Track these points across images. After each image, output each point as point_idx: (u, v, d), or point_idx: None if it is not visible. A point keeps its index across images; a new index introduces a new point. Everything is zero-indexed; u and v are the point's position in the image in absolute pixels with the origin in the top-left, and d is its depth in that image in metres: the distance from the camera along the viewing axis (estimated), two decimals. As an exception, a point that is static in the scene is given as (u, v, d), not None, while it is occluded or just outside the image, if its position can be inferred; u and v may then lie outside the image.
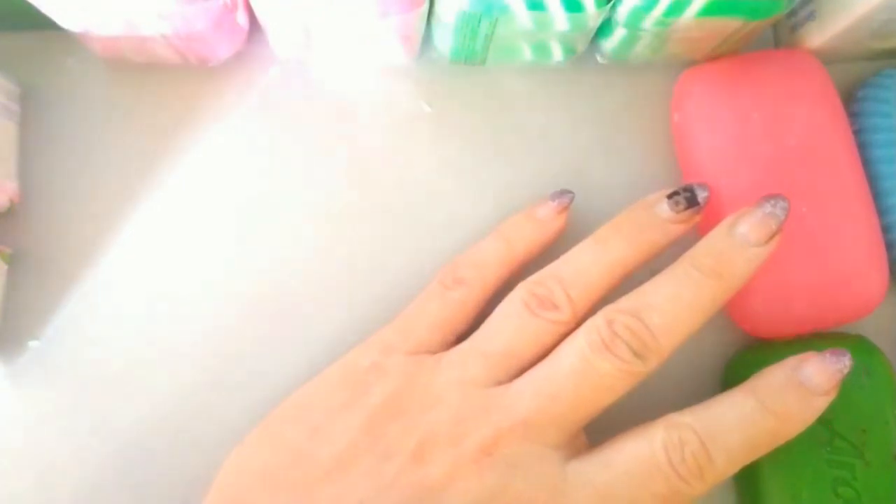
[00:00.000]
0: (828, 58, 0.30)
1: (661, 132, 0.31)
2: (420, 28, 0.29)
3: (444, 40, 0.29)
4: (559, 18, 0.26)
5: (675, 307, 0.24)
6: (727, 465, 0.23)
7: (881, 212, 0.29)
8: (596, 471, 0.24)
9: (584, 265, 0.26)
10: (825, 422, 0.27)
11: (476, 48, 0.29)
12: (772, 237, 0.25)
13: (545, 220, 0.28)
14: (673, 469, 0.23)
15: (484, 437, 0.24)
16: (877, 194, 0.29)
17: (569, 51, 0.30)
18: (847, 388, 0.27)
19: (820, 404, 0.24)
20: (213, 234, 0.30)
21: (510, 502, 0.23)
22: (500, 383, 0.25)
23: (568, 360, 0.24)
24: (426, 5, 0.27)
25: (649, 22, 0.27)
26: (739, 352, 0.30)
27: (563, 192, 0.28)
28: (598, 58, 0.31)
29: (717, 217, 0.29)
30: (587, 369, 0.24)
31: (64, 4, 0.26)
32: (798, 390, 0.24)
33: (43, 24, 0.27)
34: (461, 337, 0.27)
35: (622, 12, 0.27)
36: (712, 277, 0.24)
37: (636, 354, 0.24)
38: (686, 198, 0.26)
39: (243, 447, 0.25)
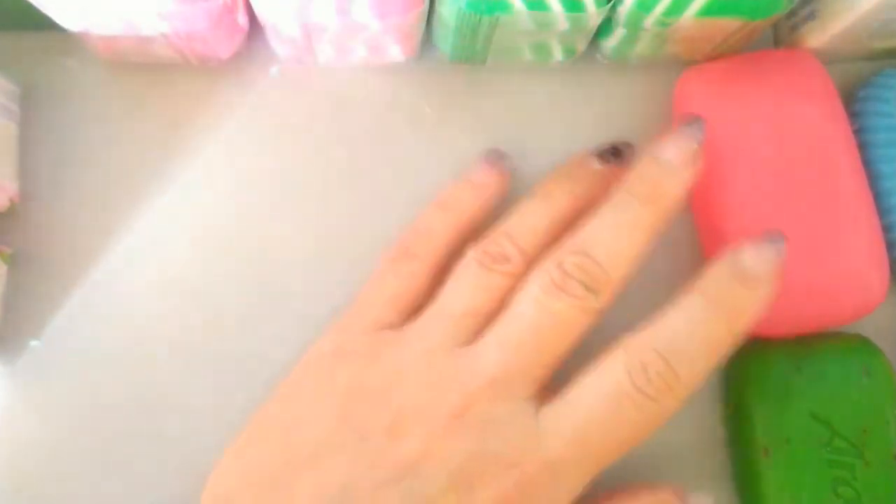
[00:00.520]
0: (828, 58, 0.30)
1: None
2: (420, 28, 0.29)
3: (444, 40, 0.29)
4: (559, 18, 0.26)
5: (617, 239, 0.25)
6: (692, 375, 0.24)
7: (881, 212, 0.29)
8: (567, 413, 0.24)
9: (530, 219, 0.27)
10: (825, 422, 0.27)
11: (476, 48, 0.29)
12: (695, 159, 0.26)
13: (483, 185, 0.28)
14: (641, 393, 0.23)
15: (454, 403, 0.24)
16: (877, 194, 0.29)
17: (569, 51, 0.30)
18: (847, 388, 0.27)
19: (765, 292, 0.24)
20: (212, 234, 0.30)
21: (490, 462, 0.23)
22: (465, 344, 0.25)
23: (524, 307, 0.25)
24: (426, 5, 0.27)
25: (649, 22, 0.27)
26: (739, 352, 0.30)
27: (497, 155, 0.29)
28: (598, 58, 0.31)
29: (718, 218, 0.29)
30: (544, 313, 0.24)
31: (64, 4, 0.26)
32: (741, 282, 0.24)
33: (43, 24, 0.27)
34: (419, 310, 0.27)
35: (622, 12, 0.27)
36: (648, 204, 0.25)
37: (588, 289, 0.24)
38: (612, 153, 0.28)
39: (228, 452, 0.25)
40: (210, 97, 0.31)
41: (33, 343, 0.29)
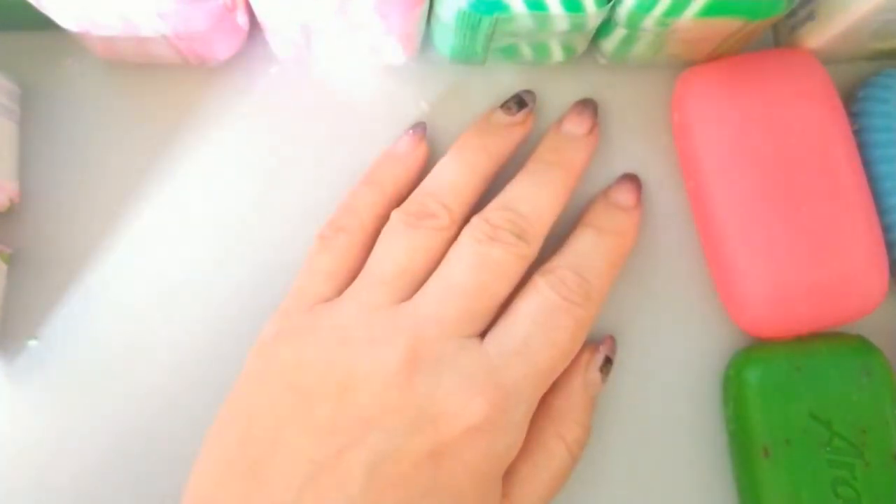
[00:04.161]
0: (828, 58, 0.30)
1: (661, 132, 0.31)
2: (420, 28, 0.29)
3: (444, 40, 0.29)
4: (559, 18, 0.26)
5: (536, 196, 0.28)
6: (600, 281, 0.27)
7: (881, 212, 0.29)
8: (510, 338, 0.26)
9: (448, 175, 0.28)
10: (825, 422, 0.27)
11: (476, 48, 0.29)
12: (592, 128, 0.30)
13: (406, 154, 0.29)
14: (566, 300, 0.26)
15: (401, 352, 0.24)
16: (877, 194, 0.29)
17: (569, 51, 0.30)
18: (847, 389, 0.27)
19: (636, 217, 0.29)
20: (212, 234, 0.30)
21: (448, 398, 0.24)
22: (402, 301, 0.26)
23: (461, 257, 0.26)
24: (426, 5, 0.27)
25: (649, 22, 0.27)
26: (739, 352, 0.30)
27: (420, 127, 0.30)
28: (598, 58, 0.31)
29: (717, 218, 0.29)
30: (481, 260, 0.26)
31: (64, 4, 0.26)
32: (616, 210, 0.29)
33: (43, 24, 0.27)
34: None
35: (622, 12, 0.27)
36: (555, 167, 0.28)
37: (519, 237, 0.26)
38: (516, 102, 0.30)
39: (202, 451, 0.25)
40: (210, 97, 0.31)
41: (32, 343, 0.29)
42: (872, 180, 0.29)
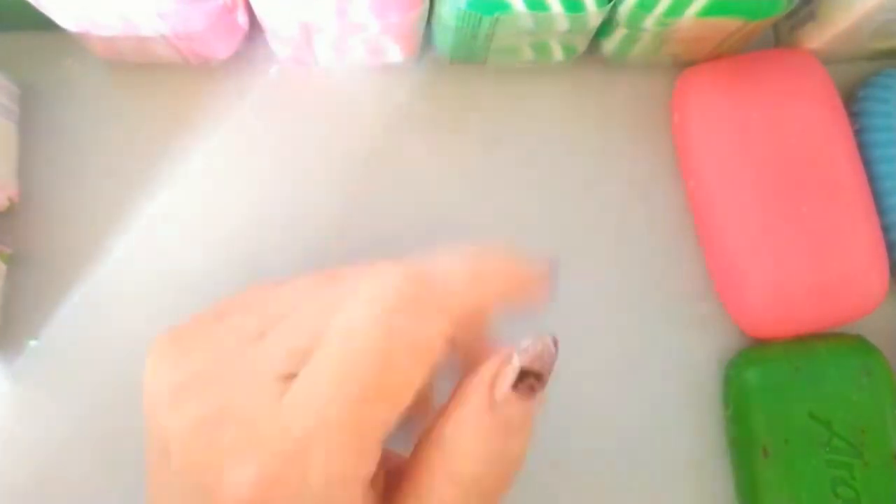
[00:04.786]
0: (828, 58, 0.30)
1: (661, 132, 0.31)
2: (420, 28, 0.29)
3: (444, 40, 0.29)
4: (559, 18, 0.26)
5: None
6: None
7: (881, 212, 0.29)
8: (304, 376, 0.20)
9: None
10: (824, 422, 0.27)
11: (476, 48, 0.29)
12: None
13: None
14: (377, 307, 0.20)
15: (206, 401, 0.20)
16: (877, 194, 0.29)
17: (569, 51, 0.30)
18: (846, 389, 0.27)
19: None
20: (212, 234, 0.30)
21: (220, 460, 0.19)
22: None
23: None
24: (426, 5, 0.27)
25: (649, 22, 0.27)
26: (739, 352, 0.30)
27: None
28: (598, 58, 0.31)
29: (717, 218, 0.29)
30: None
31: (64, 4, 0.26)
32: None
33: (43, 24, 0.27)
34: None
35: (622, 12, 0.27)
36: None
37: None
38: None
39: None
40: (210, 97, 0.31)
41: (33, 343, 0.29)
42: (872, 180, 0.29)
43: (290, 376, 0.20)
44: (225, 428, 0.20)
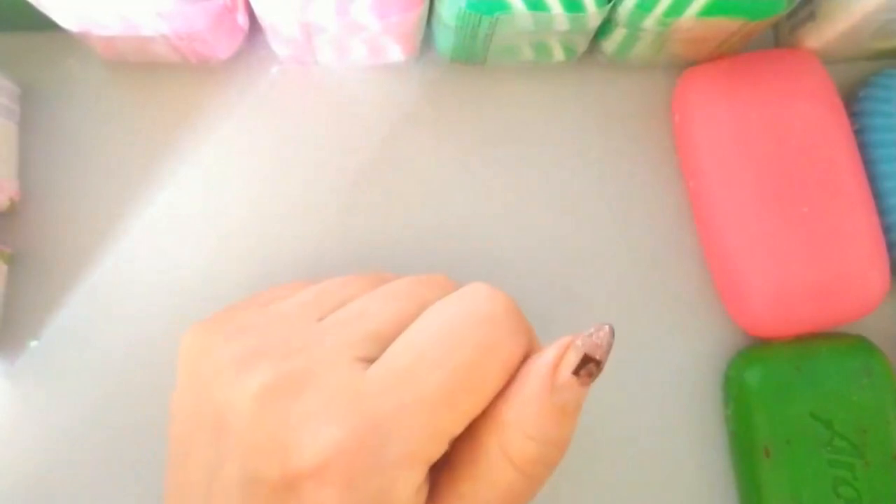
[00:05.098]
0: (828, 58, 0.30)
1: (662, 132, 0.31)
2: (420, 28, 0.29)
3: (444, 40, 0.29)
4: (559, 18, 0.26)
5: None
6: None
7: (882, 212, 0.29)
8: (396, 358, 0.21)
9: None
10: (825, 422, 0.27)
11: (476, 48, 0.29)
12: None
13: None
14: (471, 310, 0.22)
15: (268, 372, 0.21)
16: (877, 194, 0.29)
17: (569, 51, 0.30)
18: (847, 389, 0.27)
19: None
20: (212, 234, 0.30)
21: (299, 423, 0.20)
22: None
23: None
24: (426, 5, 0.27)
25: (649, 22, 0.27)
26: (739, 352, 0.30)
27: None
28: (599, 58, 0.31)
29: (717, 217, 0.29)
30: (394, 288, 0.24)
31: (64, 4, 0.26)
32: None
33: (43, 24, 0.27)
34: None
35: (622, 12, 0.27)
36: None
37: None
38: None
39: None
40: (210, 97, 0.31)
41: (33, 343, 0.29)
42: (873, 180, 0.29)
43: (367, 359, 0.21)
44: (302, 394, 0.20)
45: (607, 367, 0.30)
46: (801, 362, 0.28)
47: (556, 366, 0.21)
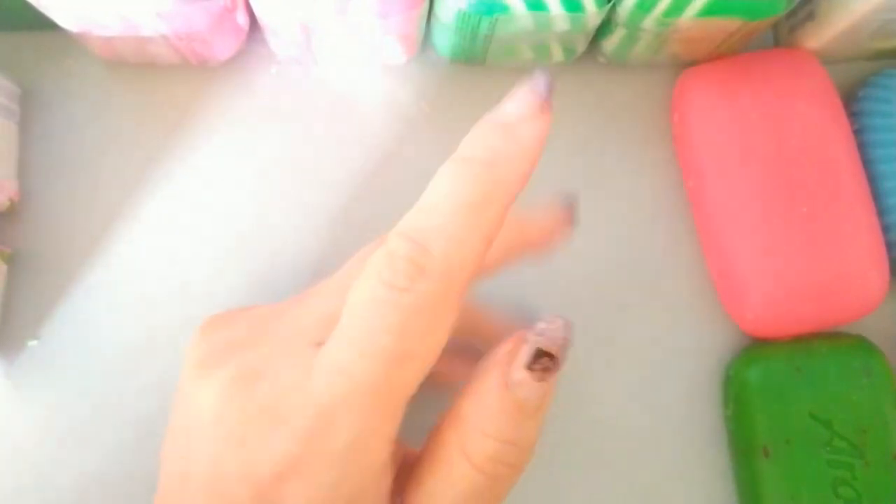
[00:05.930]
0: (828, 58, 0.30)
1: (662, 132, 0.31)
2: (420, 28, 0.29)
3: (444, 40, 0.29)
4: (559, 19, 0.26)
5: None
6: (449, 246, 0.19)
7: (881, 212, 0.29)
8: (330, 345, 0.20)
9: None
10: (825, 422, 0.27)
11: (476, 48, 0.29)
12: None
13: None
14: (389, 286, 0.18)
15: (234, 367, 0.21)
16: (877, 194, 0.29)
17: (569, 51, 0.30)
18: (847, 389, 0.27)
19: (526, 137, 0.20)
20: (212, 234, 0.30)
21: (251, 422, 0.20)
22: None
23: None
24: (426, 5, 0.27)
25: (649, 22, 0.27)
26: (739, 352, 0.30)
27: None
28: (599, 58, 0.31)
29: (717, 217, 0.29)
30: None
31: (64, 4, 0.26)
32: (492, 127, 0.20)
33: (43, 24, 0.27)
34: None
35: (622, 12, 0.27)
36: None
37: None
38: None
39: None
40: (210, 97, 0.31)
41: (33, 343, 0.29)
42: (872, 180, 0.29)
43: (321, 343, 0.20)
44: (258, 386, 0.20)
45: (607, 366, 0.30)
46: (801, 362, 0.28)
47: (509, 361, 0.20)
